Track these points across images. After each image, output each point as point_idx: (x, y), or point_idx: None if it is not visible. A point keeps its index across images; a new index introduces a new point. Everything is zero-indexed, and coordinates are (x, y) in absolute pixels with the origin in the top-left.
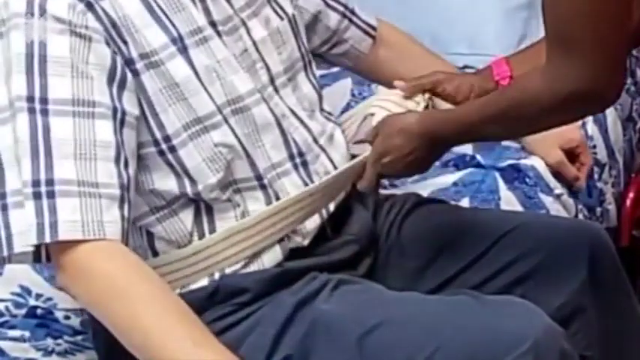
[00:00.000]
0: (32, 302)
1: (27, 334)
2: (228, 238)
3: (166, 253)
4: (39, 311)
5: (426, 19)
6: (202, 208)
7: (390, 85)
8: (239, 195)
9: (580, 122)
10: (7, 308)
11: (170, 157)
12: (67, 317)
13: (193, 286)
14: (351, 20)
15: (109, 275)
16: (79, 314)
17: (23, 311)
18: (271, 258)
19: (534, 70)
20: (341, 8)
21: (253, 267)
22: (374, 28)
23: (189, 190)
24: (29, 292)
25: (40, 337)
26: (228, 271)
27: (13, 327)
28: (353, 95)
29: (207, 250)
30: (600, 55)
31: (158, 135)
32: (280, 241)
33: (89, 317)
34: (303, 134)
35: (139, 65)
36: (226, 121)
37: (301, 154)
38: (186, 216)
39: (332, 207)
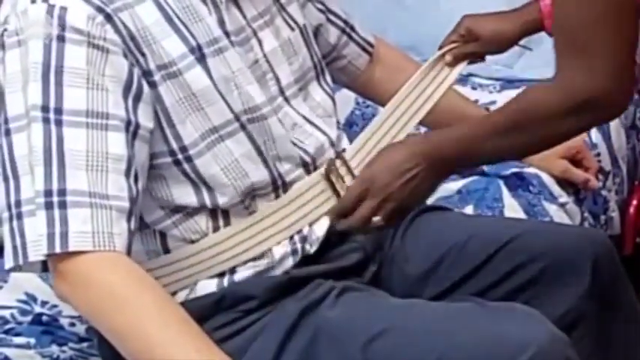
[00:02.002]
0: (38, 309)
1: (32, 341)
2: (240, 232)
3: (179, 249)
4: (44, 318)
5: (429, 26)
6: (219, 212)
7: (383, 104)
8: (255, 201)
9: None
10: (12, 315)
11: (186, 166)
12: (72, 324)
13: (200, 293)
14: (350, 36)
15: (110, 284)
16: (85, 321)
17: (29, 318)
18: (283, 267)
19: (540, 84)
20: (341, 24)
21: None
22: (371, 45)
23: (207, 199)
24: (35, 300)
25: (46, 344)
26: (239, 268)
27: (18, 334)
28: (357, 103)
29: (219, 246)
30: (611, 63)
31: (174, 145)
32: (294, 254)
33: None
34: (319, 139)
35: (157, 77)
36: (243, 128)
37: (314, 160)
38: (202, 218)
39: None
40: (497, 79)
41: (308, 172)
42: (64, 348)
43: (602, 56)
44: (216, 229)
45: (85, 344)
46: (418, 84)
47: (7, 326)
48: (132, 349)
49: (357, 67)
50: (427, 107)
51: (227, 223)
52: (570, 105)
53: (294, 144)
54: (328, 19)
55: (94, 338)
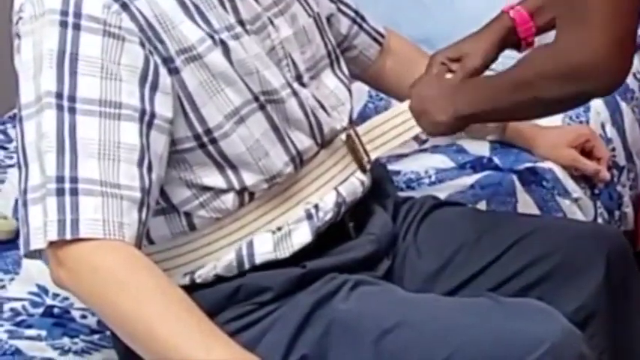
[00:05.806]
0: (49, 302)
1: (43, 333)
2: (259, 207)
3: (205, 227)
4: (56, 310)
5: (442, 23)
6: (246, 192)
7: (394, 95)
8: (277, 179)
9: (599, 123)
10: (24, 307)
11: (211, 148)
12: (83, 316)
13: (216, 286)
14: (360, 26)
15: (109, 268)
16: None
17: (40, 310)
18: (300, 237)
19: (542, 46)
20: (352, 14)
21: (283, 247)
22: (382, 36)
23: (233, 180)
24: (46, 292)
25: (57, 336)
26: (257, 243)
27: (29, 326)
28: (370, 97)
29: (240, 220)
30: (605, 35)
31: (199, 129)
32: (309, 218)
33: None
34: (331, 123)
35: (179, 61)
36: (262, 108)
37: (328, 140)
38: (229, 198)
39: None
40: None
41: (321, 147)
42: (76, 340)
43: (597, 27)
44: (241, 205)
45: (96, 336)
46: None
47: (19, 318)
48: (134, 332)
49: (368, 58)
50: None
51: (251, 200)
52: (561, 71)
53: (310, 125)
54: (339, 9)
55: (105, 330)
